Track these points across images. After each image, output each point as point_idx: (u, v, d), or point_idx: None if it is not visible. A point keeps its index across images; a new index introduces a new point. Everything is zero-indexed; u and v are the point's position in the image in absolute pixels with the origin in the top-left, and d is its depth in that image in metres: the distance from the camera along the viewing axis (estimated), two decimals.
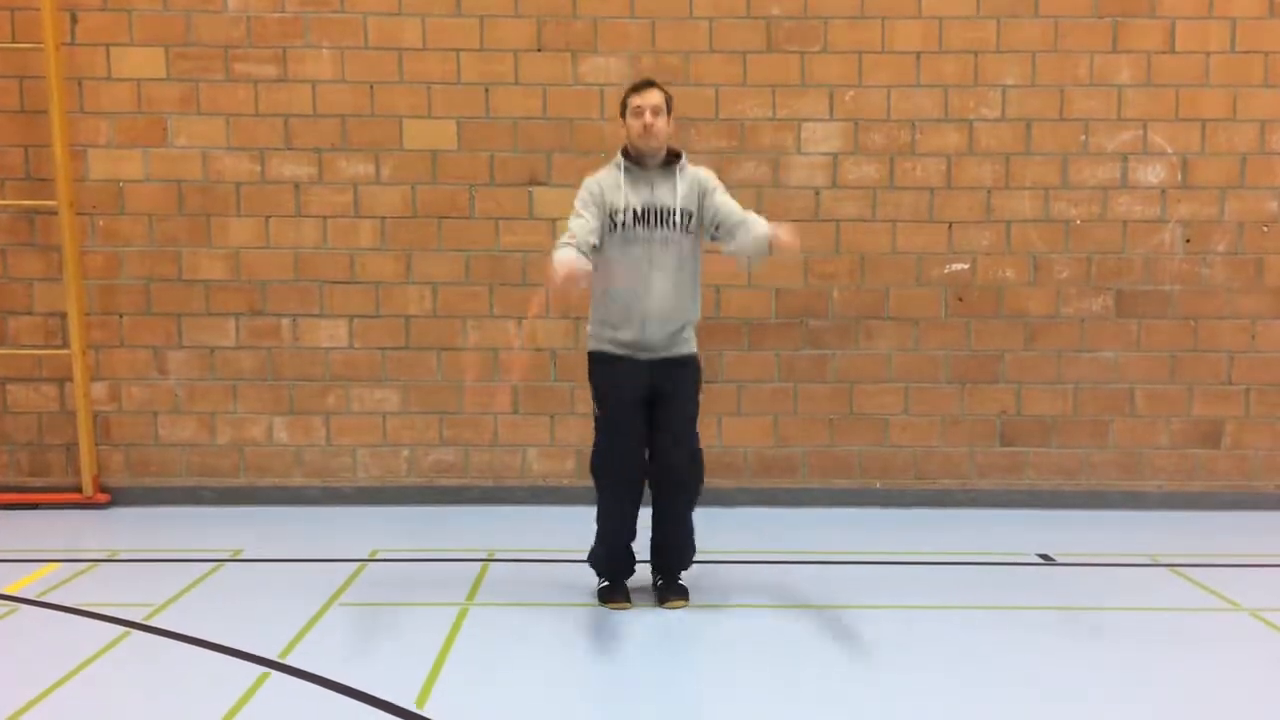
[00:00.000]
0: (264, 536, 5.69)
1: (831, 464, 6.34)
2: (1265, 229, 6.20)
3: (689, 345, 4.62)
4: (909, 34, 6.09)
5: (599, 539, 4.73)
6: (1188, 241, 6.21)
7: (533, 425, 6.32)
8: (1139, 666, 4.08)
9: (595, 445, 4.63)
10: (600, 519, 4.69)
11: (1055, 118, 6.14)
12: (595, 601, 4.70)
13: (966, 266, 6.24)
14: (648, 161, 4.52)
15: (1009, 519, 6.12)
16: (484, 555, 5.35)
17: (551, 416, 6.31)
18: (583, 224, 4.44)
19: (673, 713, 3.78)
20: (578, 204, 4.52)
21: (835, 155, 6.17)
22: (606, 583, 4.75)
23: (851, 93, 6.13)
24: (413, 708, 3.66)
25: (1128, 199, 6.19)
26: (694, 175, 4.59)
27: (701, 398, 4.74)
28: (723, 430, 6.28)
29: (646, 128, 4.44)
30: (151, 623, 4.43)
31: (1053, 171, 6.17)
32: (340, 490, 6.33)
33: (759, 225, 4.48)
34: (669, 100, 4.54)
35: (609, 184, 4.52)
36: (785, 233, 4.44)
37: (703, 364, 4.76)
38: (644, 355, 4.54)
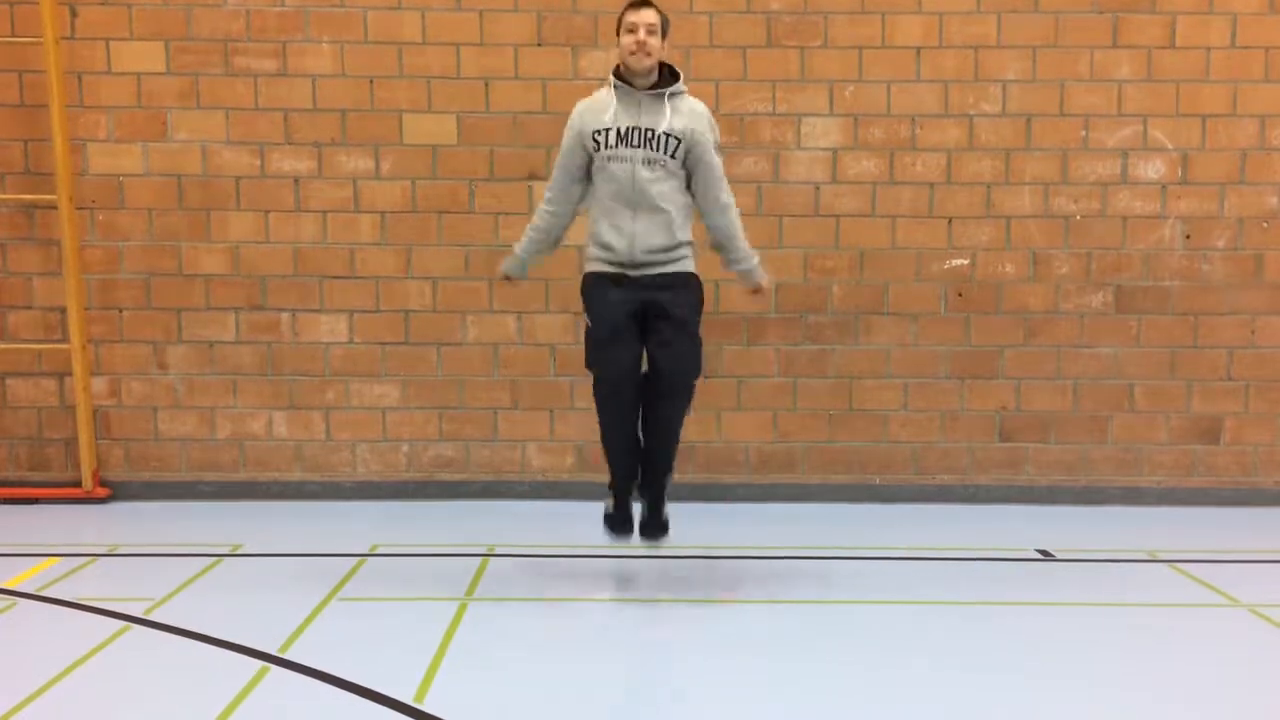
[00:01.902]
0: (264, 531, 5.69)
1: (831, 459, 6.35)
2: (1265, 225, 6.19)
3: (685, 264, 4.55)
4: (909, 29, 6.09)
5: (602, 444, 4.67)
6: (1188, 237, 6.21)
7: (532, 420, 6.32)
8: (1138, 662, 4.08)
9: (586, 359, 4.57)
10: (601, 428, 4.63)
11: (1055, 113, 6.14)
12: (595, 596, 4.72)
13: (966, 262, 6.23)
14: (638, 82, 4.47)
15: (1008, 515, 6.13)
16: (483, 550, 5.35)
17: (551, 411, 6.31)
18: (542, 208, 4.68)
19: (672, 708, 3.79)
20: (557, 161, 4.63)
21: (835, 150, 6.16)
22: (613, 505, 4.71)
23: (851, 88, 6.13)
24: (412, 702, 3.66)
25: (1128, 195, 6.19)
26: (691, 107, 4.52)
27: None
28: (722, 425, 6.29)
29: (639, 44, 4.39)
30: (151, 617, 4.43)
31: (1053, 167, 6.17)
32: (340, 485, 6.34)
33: (748, 259, 4.63)
34: (665, 22, 4.50)
35: (595, 106, 4.53)
36: (765, 282, 4.72)
37: (703, 286, 4.65)
38: (636, 272, 4.48)
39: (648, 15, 4.43)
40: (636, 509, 4.78)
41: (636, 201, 4.44)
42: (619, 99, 4.48)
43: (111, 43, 6.05)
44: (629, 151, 4.44)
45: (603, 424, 4.61)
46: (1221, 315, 6.23)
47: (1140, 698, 3.79)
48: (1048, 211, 6.19)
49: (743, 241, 4.64)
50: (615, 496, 4.73)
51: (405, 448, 6.35)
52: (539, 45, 6.09)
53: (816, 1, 6.06)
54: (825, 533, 5.73)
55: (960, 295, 6.24)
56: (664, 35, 4.48)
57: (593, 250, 4.57)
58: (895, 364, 6.29)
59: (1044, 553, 5.43)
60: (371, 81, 6.11)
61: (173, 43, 6.07)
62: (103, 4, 6.02)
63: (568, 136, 4.59)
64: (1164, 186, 6.18)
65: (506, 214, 6.17)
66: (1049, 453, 6.34)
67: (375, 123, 6.13)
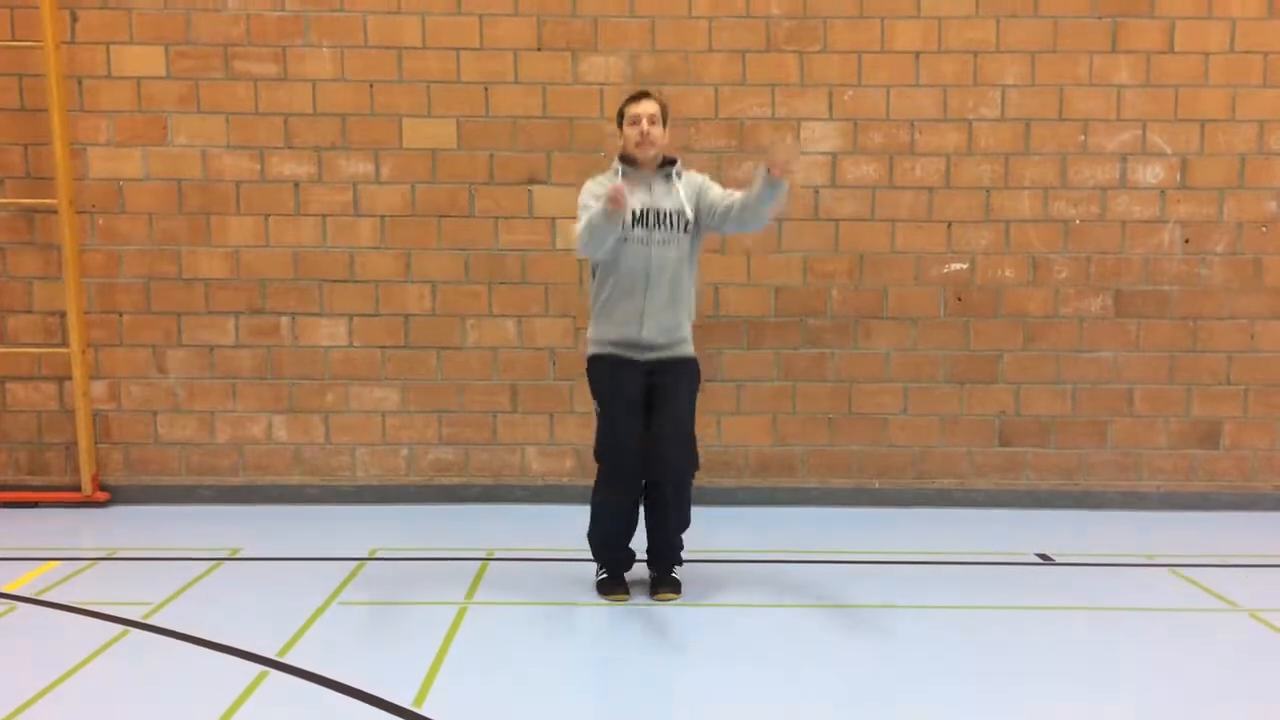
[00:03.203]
0: (263, 535, 5.69)
1: (830, 463, 6.35)
2: (1264, 229, 6.20)
3: (687, 348, 4.70)
4: (908, 34, 6.09)
5: (594, 524, 4.79)
6: (1186, 242, 6.21)
7: (532, 424, 6.32)
8: (1137, 667, 4.08)
9: (597, 439, 4.71)
10: (596, 509, 4.77)
11: (1054, 118, 6.14)
12: (594, 600, 4.71)
13: (965, 266, 6.24)
14: (645, 167, 4.63)
15: (1007, 519, 6.13)
16: (483, 554, 5.35)
17: (550, 415, 6.31)
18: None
19: (670, 712, 3.79)
20: (584, 198, 4.62)
21: (834, 155, 6.17)
22: (605, 574, 4.82)
23: (851, 92, 6.14)
24: (411, 706, 3.66)
25: (1127, 199, 6.19)
26: (689, 179, 4.70)
27: (698, 398, 4.78)
28: (722, 429, 6.29)
29: (644, 135, 4.57)
30: (150, 621, 4.43)
31: (1052, 171, 6.18)
32: (339, 489, 6.34)
33: (755, 182, 4.46)
34: (665, 109, 4.67)
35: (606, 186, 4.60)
36: (780, 154, 4.36)
37: (700, 367, 4.80)
38: (642, 356, 4.60)
39: (648, 107, 4.60)
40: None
41: (650, 282, 4.56)
42: (628, 183, 4.55)
43: (111, 47, 6.06)
44: (644, 233, 4.56)
45: (605, 500, 4.71)
46: (1221, 319, 6.24)
47: (1140, 702, 3.79)
48: (1047, 216, 6.20)
49: (742, 204, 4.54)
50: (609, 562, 4.84)
51: (405, 451, 6.35)
52: (538, 49, 6.10)
53: (816, 6, 6.07)
54: (825, 537, 5.73)
55: (959, 299, 6.25)
56: (665, 123, 4.64)
57: (599, 331, 4.66)
58: (895, 368, 6.29)
59: (1044, 557, 5.43)
60: (371, 86, 6.12)
61: (173, 47, 6.07)
62: (103, 8, 6.03)
63: (594, 192, 4.57)
64: (1163, 191, 6.18)
65: (506, 218, 6.18)
66: (1048, 457, 6.34)
67: (375, 127, 6.14)
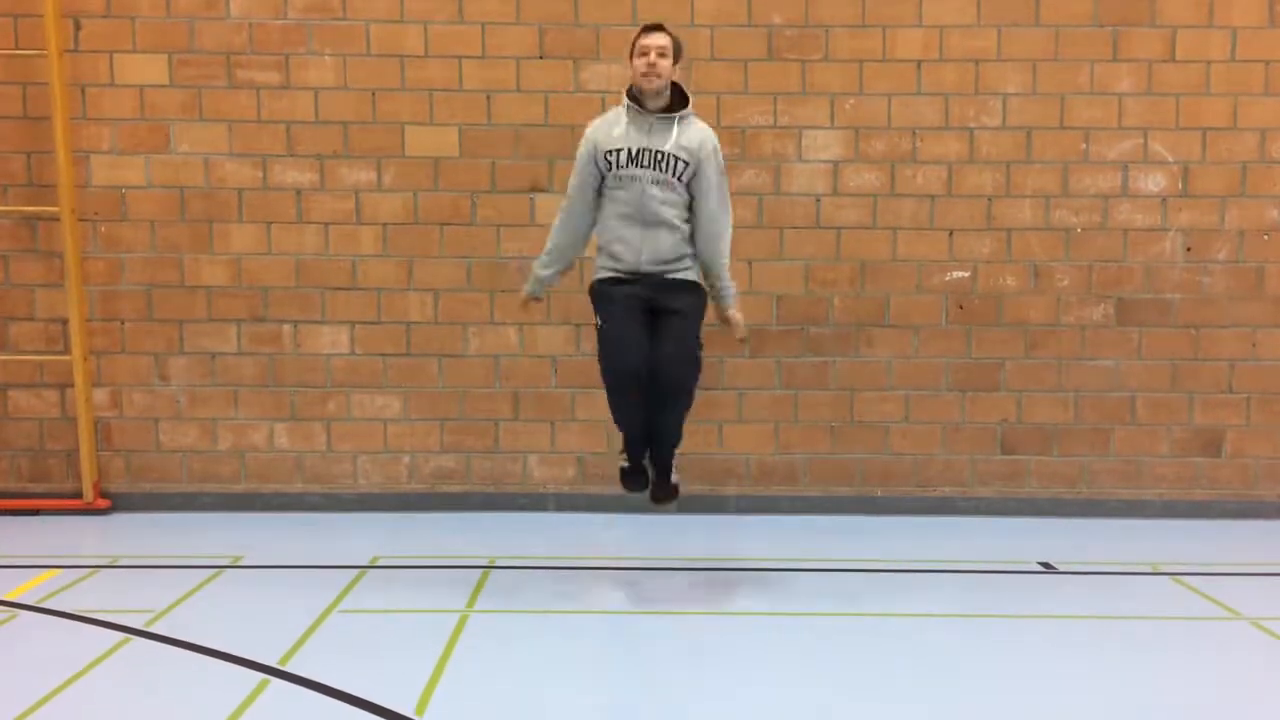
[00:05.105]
0: (265, 543, 5.69)
1: (832, 471, 6.34)
2: (1266, 237, 6.20)
3: (691, 274, 4.70)
4: (910, 42, 6.10)
5: (614, 419, 4.75)
6: (1188, 250, 6.21)
7: (533, 432, 6.32)
8: (1140, 676, 4.07)
9: (598, 354, 4.69)
10: (611, 410, 4.72)
11: (1056, 126, 6.15)
12: (596, 609, 4.72)
13: (967, 274, 6.24)
14: (650, 104, 4.62)
15: (1010, 527, 6.12)
16: (485, 562, 5.35)
17: (552, 423, 6.31)
18: (558, 225, 4.79)
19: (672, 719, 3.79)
20: (572, 179, 4.74)
21: (836, 163, 6.18)
22: (627, 463, 4.82)
23: (852, 101, 6.14)
24: (413, 714, 3.66)
25: (1128, 207, 6.20)
26: (699, 132, 4.66)
27: (703, 342, 4.78)
28: (723, 437, 6.28)
29: (650, 66, 4.53)
30: (152, 629, 4.43)
31: (1053, 180, 6.18)
32: (341, 496, 6.33)
33: (726, 286, 4.75)
34: (678, 45, 4.63)
35: (607, 124, 4.69)
36: (736, 315, 4.78)
37: (706, 299, 4.77)
38: (643, 281, 4.63)
39: (659, 39, 4.58)
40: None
41: (646, 219, 4.59)
42: (630, 119, 4.63)
43: (115, 55, 6.07)
44: (639, 171, 4.59)
45: (614, 411, 4.72)
46: (1223, 328, 6.23)
47: (1142, 711, 3.78)
48: (1048, 224, 6.20)
49: (725, 269, 4.75)
50: (629, 457, 4.83)
51: (406, 459, 6.34)
52: (541, 58, 6.11)
53: (818, 15, 6.08)
54: (826, 545, 5.72)
55: (961, 307, 6.25)
56: (676, 58, 4.62)
57: (601, 260, 4.72)
58: (896, 376, 6.29)
59: (1046, 565, 5.42)
60: (374, 94, 6.13)
61: (175, 55, 6.09)
62: (106, 16, 6.04)
63: (583, 151, 4.71)
64: (1164, 199, 6.19)
65: (508, 226, 6.18)
66: (1050, 465, 6.33)
67: (377, 135, 6.14)
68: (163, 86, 6.10)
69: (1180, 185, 6.17)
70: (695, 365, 4.68)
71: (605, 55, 6.08)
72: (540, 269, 4.88)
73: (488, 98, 6.14)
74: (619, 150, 4.60)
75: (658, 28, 4.62)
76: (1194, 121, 6.14)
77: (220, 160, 6.15)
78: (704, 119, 6.10)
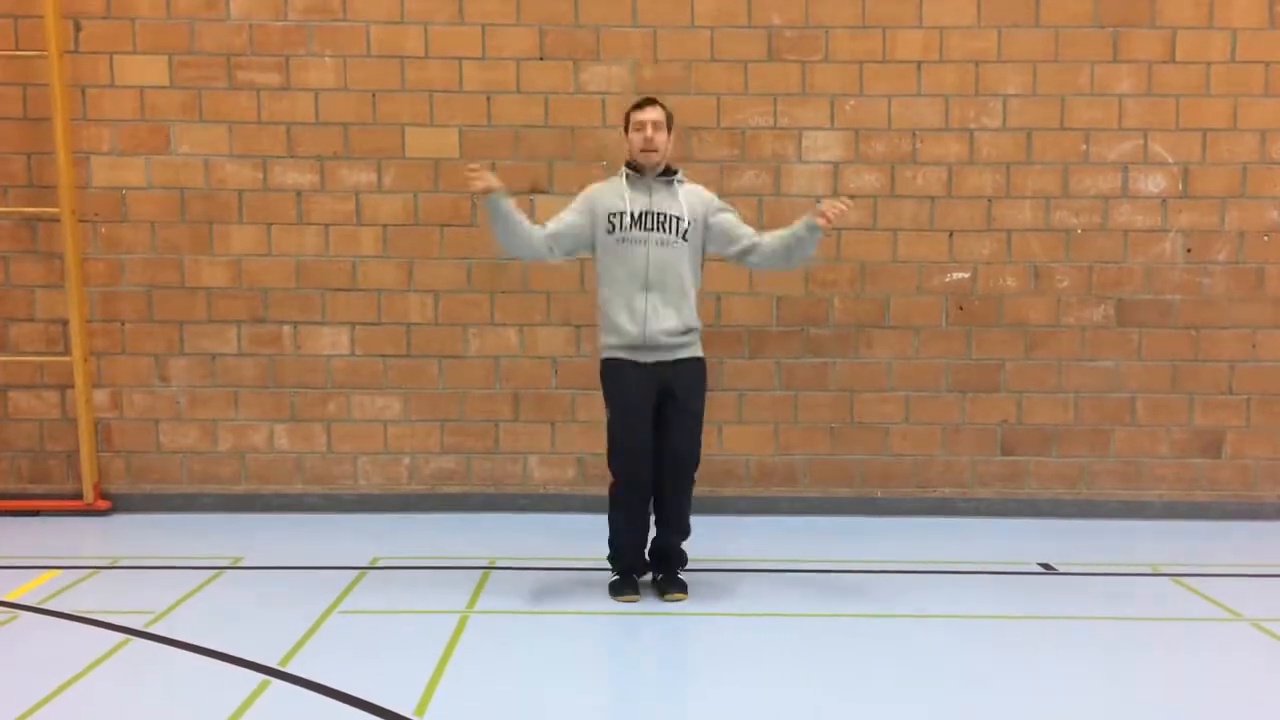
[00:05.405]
0: (265, 544, 5.69)
1: (832, 472, 6.34)
2: (1266, 238, 6.20)
3: (695, 349, 4.78)
4: (910, 44, 6.11)
5: (612, 531, 4.87)
6: (1188, 251, 6.21)
7: (534, 432, 6.32)
8: (1140, 677, 4.07)
9: (608, 446, 4.77)
10: (612, 516, 4.84)
11: (1056, 127, 6.15)
12: (596, 609, 4.71)
13: (967, 275, 6.24)
14: (648, 172, 4.74)
15: (1010, 528, 6.12)
16: (485, 563, 5.35)
17: (552, 424, 6.31)
18: (556, 219, 4.78)
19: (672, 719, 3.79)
20: (571, 208, 4.81)
21: (836, 164, 6.18)
22: (617, 577, 4.89)
23: (852, 102, 6.15)
24: (413, 715, 3.66)
25: (1128, 208, 6.20)
26: (692, 189, 4.84)
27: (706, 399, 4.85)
28: (723, 438, 6.29)
29: (648, 141, 4.67)
30: (152, 630, 4.43)
31: (1053, 181, 6.18)
32: (341, 497, 6.33)
33: (801, 238, 4.72)
34: (670, 116, 4.76)
35: (609, 190, 4.77)
36: (829, 209, 4.65)
37: (708, 368, 4.87)
38: (650, 358, 4.68)
39: (653, 113, 4.70)
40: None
41: (650, 281, 4.65)
42: (630, 185, 4.72)
43: (115, 56, 6.08)
44: (643, 234, 4.67)
45: (619, 520, 4.82)
46: (1223, 329, 6.24)
47: (1142, 712, 3.78)
48: (1048, 225, 6.20)
49: (780, 243, 4.78)
50: (623, 565, 4.90)
51: (407, 460, 6.35)
52: (541, 59, 6.11)
53: (818, 16, 6.08)
54: (826, 546, 5.72)
55: (961, 308, 6.25)
56: (669, 130, 4.73)
57: (607, 337, 4.77)
58: (896, 377, 6.29)
59: (1046, 566, 5.42)
60: (374, 95, 6.13)
61: (176, 56, 6.09)
62: (106, 18, 6.05)
63: (582, 202, 4.78)
64: (1164, 200, 6.19)
65: None
66: (1050, 466, 6.33)
67: (377, 136, 6.15)
68: (163, 87, 6.11)
69: (1180, 186, 6.18)
70: (698, 450, 4.81)
71: (605, 56, 6.08)
72: (521, 214, 4.73)
73: (488, 99, 6.14)
74: (622, 213, 4.67)
75: (650, 102, 4.75)
76: (1194, 122, 6.14)
77: (220, 161, 6.16)
78: (704, 119, 6.16)
